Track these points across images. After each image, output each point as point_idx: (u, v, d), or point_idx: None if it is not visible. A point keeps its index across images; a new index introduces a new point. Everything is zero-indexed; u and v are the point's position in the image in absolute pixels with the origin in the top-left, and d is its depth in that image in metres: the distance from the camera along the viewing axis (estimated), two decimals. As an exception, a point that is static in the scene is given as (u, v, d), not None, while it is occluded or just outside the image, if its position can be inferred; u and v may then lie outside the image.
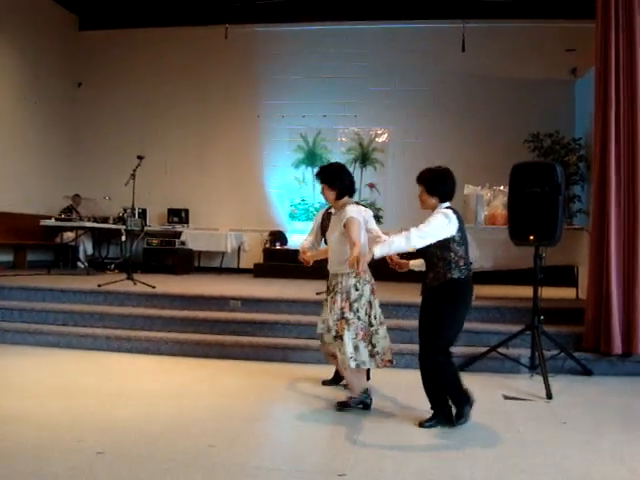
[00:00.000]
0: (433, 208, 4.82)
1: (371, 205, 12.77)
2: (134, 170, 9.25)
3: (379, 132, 13.10)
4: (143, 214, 12.86)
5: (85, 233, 12.33)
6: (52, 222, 11.45)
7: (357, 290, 5.11)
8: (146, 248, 12.75)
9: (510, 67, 12.33)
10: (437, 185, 4.84)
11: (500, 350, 6.53)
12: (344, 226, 5.17)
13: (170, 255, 12.58)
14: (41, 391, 5.57)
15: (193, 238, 12.82)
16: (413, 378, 6.36)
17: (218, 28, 13.06)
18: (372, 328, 5.15)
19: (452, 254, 4.69)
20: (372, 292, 5.20)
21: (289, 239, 12.87)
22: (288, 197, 13.21)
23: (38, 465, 3.82)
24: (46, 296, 8.46)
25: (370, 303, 5.17)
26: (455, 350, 6.75)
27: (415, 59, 12.62)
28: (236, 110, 13.39)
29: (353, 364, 5.02)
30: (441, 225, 4.63)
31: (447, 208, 4.76)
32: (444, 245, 4.68)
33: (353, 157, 13.00)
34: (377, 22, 12.85)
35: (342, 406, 5.18)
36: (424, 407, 4.90)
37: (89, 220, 12.09)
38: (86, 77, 14.08)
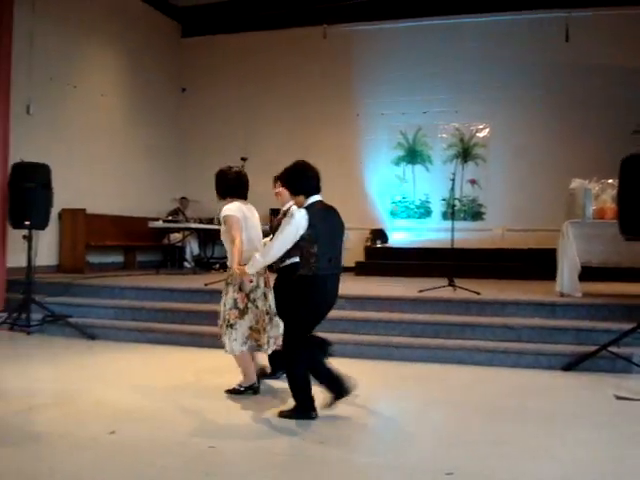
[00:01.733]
0: (302, 204, 4.85)
1: (473, 201, 12.62)
2: (238, 172, 9.44)
3: (480, 127, 12.89)
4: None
5: (191, 234, 12.69)
6: (160, 224, 11.85)
7: (251, 282, 5.36)
8: (249, 248, 12.98)
9: (615, 56, 11.85)
10: (296, 184, 4.91)
11: (611, 349, 6.32)
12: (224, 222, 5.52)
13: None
14: (152, 387, 5.78)
15: (295, 237, 12.94)
16: (521, 378, 6.28)
17: (316, 29, 13.17)
18: (267, 316, 5.47)
19: (303, 251, 4.77)
20: (266, 284, 5.55)
21: (390, 237, 12.85)
22: (389, 195, 13.18)
23: (152, 458, 3.97)
24: (155, 295, 8.75)
25: (265, 294, 5.50)
26: (563, 348, 6.63)
27: (516, 51, 12.33)
28: (336, 109, 13.45)
29: (238, 350, 5.37)
30: (289, 232, 4.72)
31: (309, 205, 4.80)
32: (296, 244, 4.78)
33: (454, 153, 12.86)
34: (477, 15, 12.63)
35: (231, 392, 5.51)
36: (535, 407, 4.81)
37: (195, 221, 12.45)
38: (189, 82, 14.47)
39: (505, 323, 7.08)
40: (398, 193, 13.12)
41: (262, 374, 5.82)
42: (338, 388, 4.84)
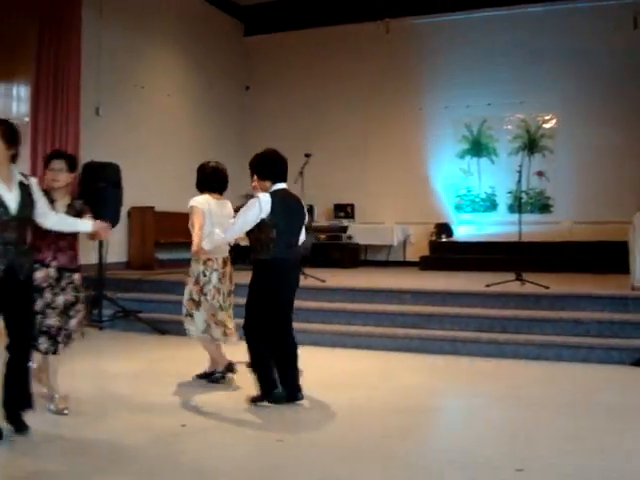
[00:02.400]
0: (267, 190, 5.07)
1: (540, 194, 12.41)
2: (302, 168, 9.50)
3: (547, 118, 12.64)
4: (310, 210, 13.17)
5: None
6: (226, 220, 12.00)
7: (205, 276, 5.70)
8: (314, 243, 13.05)
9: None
10: (265, 169, 5.14)
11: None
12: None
13: (337, 249, 12.79)
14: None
15: (359, 232, 12.97)
16: (592, 373, 6.17)
17: (378, 23, 13.11)
18: (221, 312, 5.76)
19: (263, 235, 4.99)
20: (220, 280, 5.79)
21: (455, 231, 12.73)
22: (453, 188, 13.06)
23: (221, 452, 4.04)
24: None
25: (218, 289, 5.76)
26: (635, 343, 6.48)
27: (582, 40, 12.01)
28: (398, 104, 13.38)
29: (195, 335, 5.78)
30: (253, 213, 4.96)
31: (273, 192, 5.01)
32: (257, 227, 4.99)
33: (520, 145, 12.66)
34: (540, 4, 12.37)
35: (205, 378, 5.87)
36: (605, 402, 4.71)
37: (259, 218, 12.55)
38: (253, 80, 14.59)
39: (575, 317, 6.97)
40: (463, 186, 12.98)
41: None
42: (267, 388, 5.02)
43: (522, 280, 8.16)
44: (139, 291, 9.24)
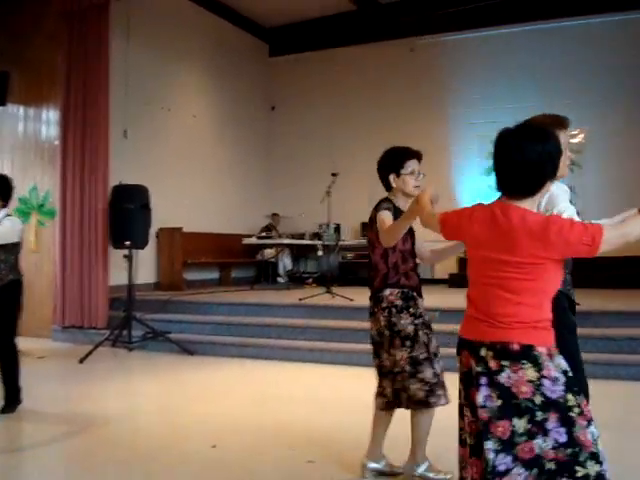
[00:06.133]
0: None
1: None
2: (329, 187, 9.51)
3: (574, 133, 12.53)
4: (337, 229, 13.17)
5: (284, 249, 12.83)
6: (254, 240, 12.06)
7: None
8: (342, 262, 13.03)
9: None
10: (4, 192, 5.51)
11: None
12: None
13: (366, 268, 12.68)
14: (249, 400, 5.87)
15: (387, 250, 12.90)
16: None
17: (403, 41, 13.15)
18: None
19: (12, 257, 5.40)
20: None
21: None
22: (481, 205, 12.96)
23: (251, 474, 4.02)
24: (250, 310, 8.88)
25: None
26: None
27: (607, 54, 11.93)
28: (423, 121, 13.33)
29: None
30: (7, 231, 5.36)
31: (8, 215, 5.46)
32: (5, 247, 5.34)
33: (547, 160, 12.53)
34: (565, 19, 12.28)
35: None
36: None
37: (287, 237, 12.59)
38: (278, 100, 14.69)
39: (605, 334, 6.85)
40: (490, 203, 12.89)
41: None
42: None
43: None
44: (168, 312, 9.27)
